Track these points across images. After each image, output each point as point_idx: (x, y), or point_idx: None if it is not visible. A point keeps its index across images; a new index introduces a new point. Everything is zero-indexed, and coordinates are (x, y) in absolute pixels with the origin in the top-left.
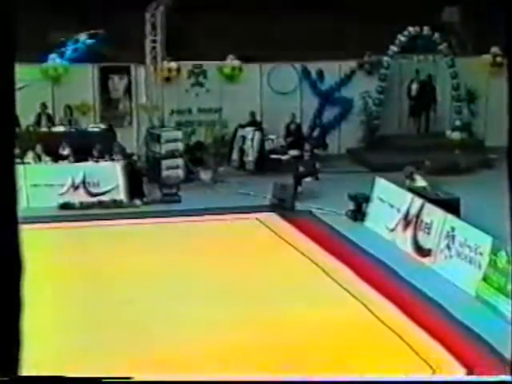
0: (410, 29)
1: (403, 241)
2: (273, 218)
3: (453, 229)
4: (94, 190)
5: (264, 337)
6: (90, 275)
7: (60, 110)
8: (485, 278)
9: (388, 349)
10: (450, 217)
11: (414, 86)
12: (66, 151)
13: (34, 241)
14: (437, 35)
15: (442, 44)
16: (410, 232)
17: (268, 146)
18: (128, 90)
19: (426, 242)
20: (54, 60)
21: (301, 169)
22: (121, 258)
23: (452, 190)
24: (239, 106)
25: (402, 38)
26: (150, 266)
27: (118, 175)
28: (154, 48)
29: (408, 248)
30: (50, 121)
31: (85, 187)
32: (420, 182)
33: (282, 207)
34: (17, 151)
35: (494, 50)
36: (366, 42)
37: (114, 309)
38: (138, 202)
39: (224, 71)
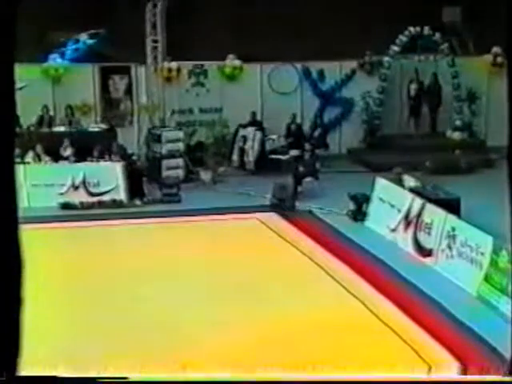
0: (411, 29)
1: (404, 241)
2: (273, 217)
3: (453, 229)
4: (94, 190)
5: (264, 336)
6: (89, 275)
7: (61, 110)
8: (486, 278)
9: (388, 348)
10: (450, 217)
11: (413, 86)
12: (67, 152)
13: (34, 241)
14: (437, 35)
15: (442, 44)
16: (410, 232)
17: (269, 145)
18: (129, 90)
19: (426, 241)
20: (54, 60)
21: (301, 169)
22: (121, 257)
23: (453, 189)
24: (240, 106)
25: (403, 38)
26: (150, 265)
27: (118, 175)
28: (154, 48)
29: (409, 248)
30: (51, 121)
31: (85, 187)
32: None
33: (282, 207)
34: (17, 151)
35: (495, 49)
36: (366, 41)
37: (114, 309)
38: (138, 201)
39: (224, 71)
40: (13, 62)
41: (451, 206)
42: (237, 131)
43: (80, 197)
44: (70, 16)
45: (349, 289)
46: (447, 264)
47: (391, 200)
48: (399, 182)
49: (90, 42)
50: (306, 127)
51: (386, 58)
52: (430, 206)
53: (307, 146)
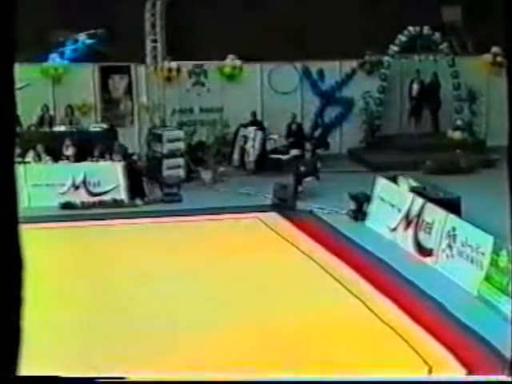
0: (411, 28)
1: (404, 240)
2: (274, 217)
3: (454, 228)
4: (94, 190)
5: (265, 335)
6: (90, 275)
7: (61, 109)
8: (486, 278)
9: (389, 348)
10: (451, 216)
11: (415, 86)
12: (69, 151)
13: (34, 240)
14: (437, 35)
15: (442, 43)
16: (411, 232)
17: (269, 145)
18: (129, 90)
19: (427, 241)
20: (54, 60)
21: (301, 168)
22: (121, 257)
23: (453, 189)
24: (240, 106)
25: (403, 38)
26: (150, 265)
27: (119, 175)
28: (154, 48)
29: (409, 248)
30: (52, 121)
31: (85, 187)
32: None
33: (283, 207)
34: (18, 151)
35: (495, 49)
36: (366, 41)
37: (114, 308)
38: (138, 201)
39: (225, 71)
40: (13, 62)
41: (452, 205)
42: (237, 131)
43: (80, 196)
44: (69, 16)
45: (349, 288)
46: (448, 264)
47: (391, 200)
48: (397, 184)
49: (89, 41)
50: (307, 127)
51: (386, 58)
52: (430, 206)
53: (308, 146)
